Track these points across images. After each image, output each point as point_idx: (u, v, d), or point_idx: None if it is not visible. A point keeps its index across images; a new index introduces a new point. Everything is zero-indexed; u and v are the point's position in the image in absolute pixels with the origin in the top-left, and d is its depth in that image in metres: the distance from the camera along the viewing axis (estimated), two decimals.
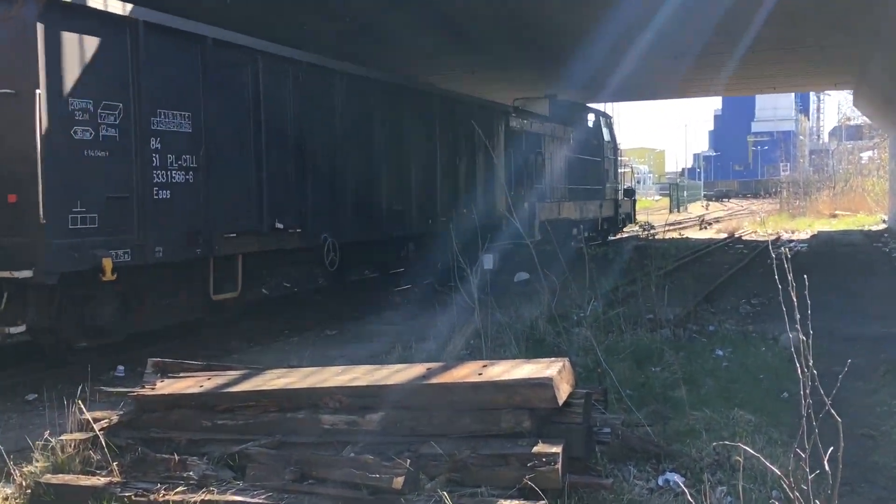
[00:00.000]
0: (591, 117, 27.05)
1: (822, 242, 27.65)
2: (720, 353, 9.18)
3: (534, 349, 8.30)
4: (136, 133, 8.98)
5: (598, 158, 26.62)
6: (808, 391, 3.96)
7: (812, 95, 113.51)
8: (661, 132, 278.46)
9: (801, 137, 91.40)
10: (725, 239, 30.38)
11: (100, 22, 8.66)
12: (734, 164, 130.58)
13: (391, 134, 13.99)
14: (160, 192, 9.27)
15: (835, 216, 42.84)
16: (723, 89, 31.57)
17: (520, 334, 8.64)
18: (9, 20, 8.15)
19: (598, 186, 26.64)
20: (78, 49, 8.43)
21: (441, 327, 9.16)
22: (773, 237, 30.85)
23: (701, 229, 39.28)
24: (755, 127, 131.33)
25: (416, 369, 4.98)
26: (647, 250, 12.95)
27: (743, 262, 20.20)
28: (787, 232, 33.98)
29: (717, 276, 17.19)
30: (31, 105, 8.00)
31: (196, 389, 5.13)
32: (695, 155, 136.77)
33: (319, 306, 13.79)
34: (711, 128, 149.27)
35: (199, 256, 9.81)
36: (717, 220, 44.83)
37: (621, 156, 29.19)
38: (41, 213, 8.03)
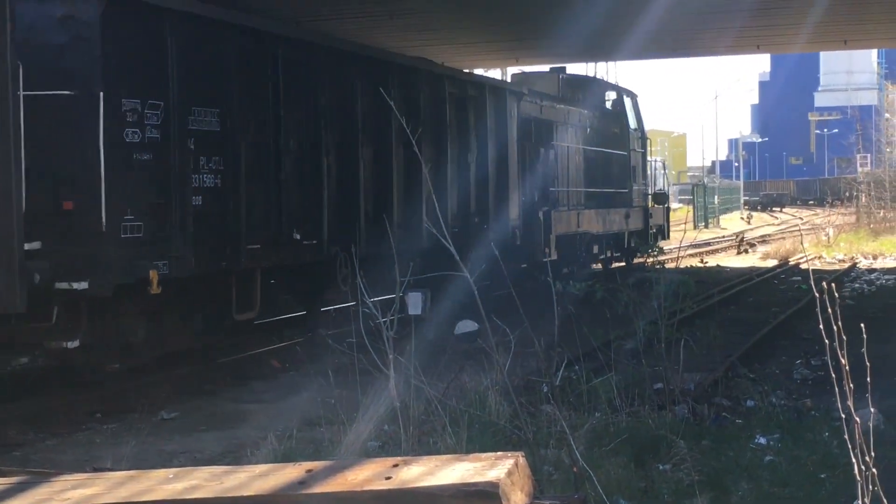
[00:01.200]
0: (611, 96, 28.78)
1: None
2: (762, 441, 9.28)
3: (480, 438, 8.29)
4: (175, 133, 11.84)
5: (622, 152, 28.17)
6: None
7: None
8: (680, 106, 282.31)
9: (886, 116, 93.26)
10: (775, 268, 30.88)
11: (144, 13, 11.62)
12: (789, 157, 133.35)
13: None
14: (195, 197, 12.18)
15: None
16: (771, 42, 32.04)
17: (459, 415, 8.62)
18: (68, 19, 10.91)
19: (624, 190, 28.10)
20: (128, 45, 11.32)
21: (341, 404, 9.12)
22: (845, 265, 31.42)
23: (739, 253, 40.11)
24: (820, 100, 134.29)
25: (291, 472, 4.91)
26: (656, 286, 13.06)
27: (800, 302, 20.51)
28: (866, 257, 34.65)
29: (761, 326, 17.42)
30: (93, 107, 10.73)
31: None
32: (731, 141, 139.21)
33: (150, 374, 13.67)
34: (755, 101, 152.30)
35: (224, 269, 12.81)
36: (762, 240, 45.61)
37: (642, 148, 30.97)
38: (103, 220, 10.70)
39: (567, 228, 23.40)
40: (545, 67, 27.34)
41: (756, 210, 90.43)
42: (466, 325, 16.64)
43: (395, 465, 4.83)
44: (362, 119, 16.01)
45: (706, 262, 22.73)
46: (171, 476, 5.14)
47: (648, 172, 31.45)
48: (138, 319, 11.92)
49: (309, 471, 4.90)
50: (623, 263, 27.81)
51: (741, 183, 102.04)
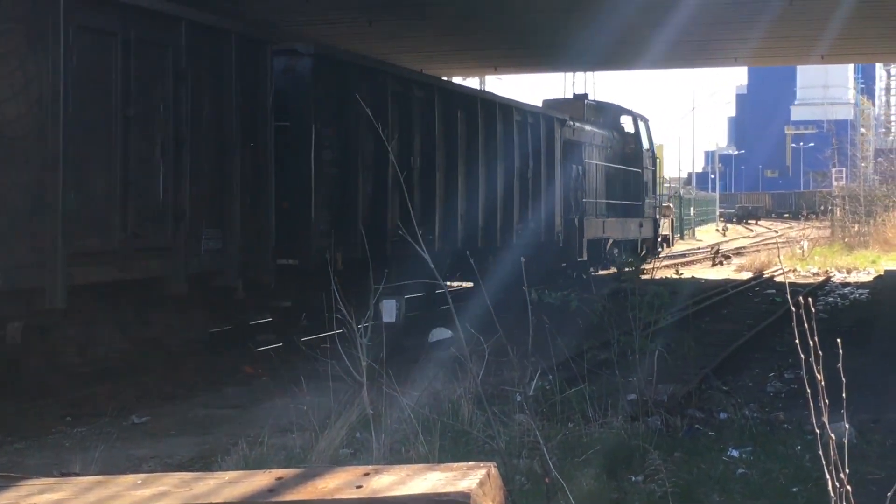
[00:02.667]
0: (627, 120, 33.38)
1: (890, 287, 28.37)
2: (735, 453, 9.28)
3: (452, 447, 8.26)
4: (349, 154, 16.57)
5: (637, 169, 32.74)
6: None
7: (879, 68, 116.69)
8: (657, 118, 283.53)
9: (862, 130, 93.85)
10: (749, 280, 30.96)
11: (338, 67, 16.57)
12: (765, 169, 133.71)
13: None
14: (361, 202, 16.80)
15: None
16: (749, 55, 32.14)
17: (432, 424, 8.59)
18: (290, 71, 15.54)
19: (638, 202, 32.69)
20: (327, 89, 16.11)
21: (313, 411, 9.08)
22: (819, 278, 31.51)
23: (714, 265, 40.17)
24: (796, 113, 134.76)
25: (260, 479, 4.87)
26: (631, 297, 13.07)
27: (774, 315, 20.55)
28: (840, 271, 34.76)
29: (735, 338, 17.45)
30: (306, 136, 15.53)
31: None
32: (707, 153, 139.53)
33: (124, 378, 13.61)
34: (732, 113, 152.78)
35: (378, 256, 15.14)
36: (738, 252, 45.73)
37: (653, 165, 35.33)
38: (312, 217, 15.53)
39: (595, 234, 28.28)
40: (527, 76, 29.03)
41: (732, 222, 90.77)
42: (440, 333, 16.65)
43: (366, 474, 4.79)
44: (459, 142, 20.35)
45: (681, 274, 22.89)
46: (139, 482, 5.09)
47: (657, 188, 36.00)
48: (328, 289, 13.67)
49: (279, 478, 4.86)
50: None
51: (717, 195, 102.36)
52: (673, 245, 37.12)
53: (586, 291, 11.63)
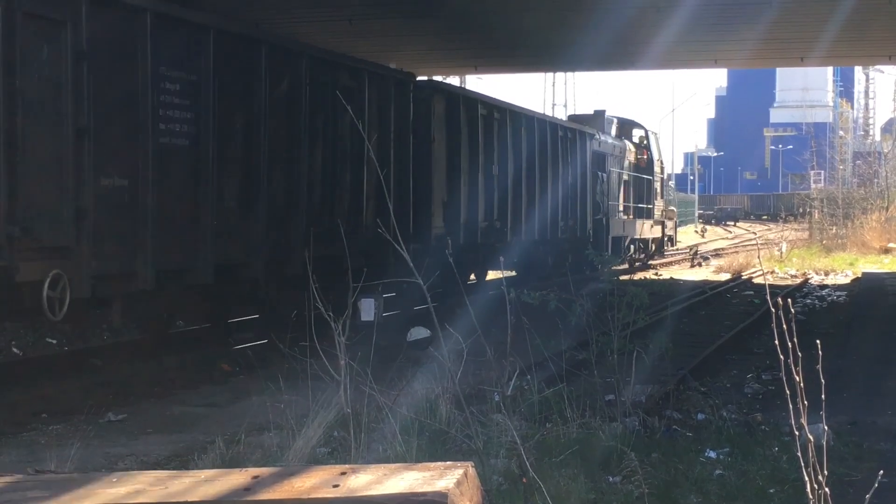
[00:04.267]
0: (640, 132, 39.32)
1: (868, 290, 28.48)
2: (712, 454, 9.29)
3: (430, 447, 8.24)
4: (452, 160, 21.49)
5: (648, 176, 38.82)
6: None
7: (857, 71, 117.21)
8: (636, 118, 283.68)
9: (840, 133, 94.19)
10: (728, 282, 31.04)
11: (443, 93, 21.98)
12: (744, 171, 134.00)
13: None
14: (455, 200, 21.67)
15: (888, 251, 44.13)
16: (729, 56, 32.25)
17: (410, 424, 8.57)
18: (422, 102, 19.99)
19: (649, 206, 38.70)
20: (450, 115, 21.62)
21: (290, 410, 9.05)
22: (797, 280, 31.60)
23: (693, 266, 40.24)
24: (775, 116, 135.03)
25: (237, 477, 4.85)
26: (609, 297, 13.07)
27: (752, 316, 20.60)
28: (818, 273, 34.87)
29: (713, 339, 17.48)
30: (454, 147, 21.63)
31: None
32: (686, 155, 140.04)
33: (98, 374, 13.57)
34: (712, 115, 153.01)
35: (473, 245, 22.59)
36: (716, 254, 45.81)
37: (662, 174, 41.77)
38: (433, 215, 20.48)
39: (617, 232, 33.99)
40: (505, 76, 30.82)
41: (710, 224, 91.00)
42: (418, 332, 16.61)
43: (343, 473, 4.77)
44: (525, 155, 24.85)
45: (660, 275, 22.95)
46: (114, 480, 5.06)
47: (664, 193, 42.05)
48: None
49: (255, 477, 4.84)
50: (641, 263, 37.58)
51: (696, 196, 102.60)
52: (675, 244, 43.24)
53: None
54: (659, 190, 39.97)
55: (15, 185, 10.65)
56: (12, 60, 10.63)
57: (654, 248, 39.16)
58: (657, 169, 39.38)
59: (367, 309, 15.63)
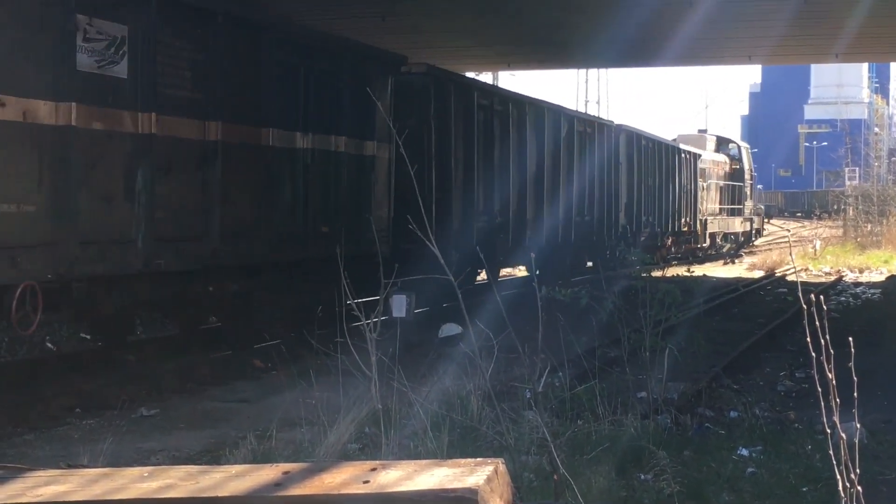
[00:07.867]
0: (734, 146, 50.38)
1: None
2: (745, 452, 9.25)
3: (461, 443, 8.24)
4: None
5: (740, 183, 48.98)
6: None
7: (893, 67, 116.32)
8: (668, 116, 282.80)
9: (875, 130, 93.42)
10: (761, 279, 30.89)
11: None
12: (778, 168, 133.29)
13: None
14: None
15: None
16: (764, 53, 32.07)
17: (441, 420, 8.56)
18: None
19: (740, 206, 48.93)
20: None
21: (322, 406, 9.05)
22: (831, 278, 31.42)
23: (726, 264, 40.14)
24: (810, 112, 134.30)
25: (267, 473, 4.85)
26: (642, 294, 13.03)
27: (785, 314, 20.50)
28: (852, 270, 34.65)
29: (746, 337, 17.40)
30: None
31: None
32: None
33: (131, 369, 13.61)
34: (745, 111, 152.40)
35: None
36: (750, 251, 45.65)
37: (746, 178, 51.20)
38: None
39: (712, 229, 43.87)
40: (537, 73, 30.66)
41: None
42: (450, 329, 16.62)
43: (374, 469, 4.77)
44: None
45: (693, 272, 22.81)
46: (146, 474, 5.07)
47: (753, 195, 53.23)
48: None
49: (286, 472, 4.84)
50: (735, 251, 46.98)
51: None
52: (762, 236, 55.34)
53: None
54: (749, 193, 50.41)
55: None
56: None
57: (743, 239, 49.61)
58: (747, 176, 49.84)
59: (399, 305, 15.59)
